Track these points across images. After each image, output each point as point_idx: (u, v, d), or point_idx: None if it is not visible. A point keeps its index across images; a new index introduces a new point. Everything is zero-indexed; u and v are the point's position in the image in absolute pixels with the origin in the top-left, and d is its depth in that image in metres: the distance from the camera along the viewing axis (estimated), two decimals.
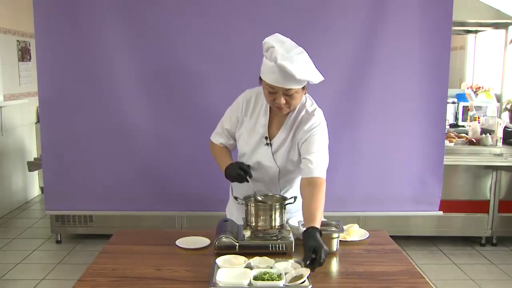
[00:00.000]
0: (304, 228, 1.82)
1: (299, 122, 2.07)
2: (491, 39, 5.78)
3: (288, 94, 1.93)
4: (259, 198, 2.06)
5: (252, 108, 2.13)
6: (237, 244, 1.89)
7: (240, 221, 2.09)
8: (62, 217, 4.08)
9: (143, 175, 3.17)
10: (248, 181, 2.05)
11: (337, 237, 1.97)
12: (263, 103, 2.11)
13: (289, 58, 1.88)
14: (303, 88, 1.97)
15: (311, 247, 1.70)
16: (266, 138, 2.09)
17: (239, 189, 2.19)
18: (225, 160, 2.16)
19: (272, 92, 1.94)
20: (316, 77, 1.94)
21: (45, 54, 3.03)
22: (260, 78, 1.99)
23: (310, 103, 2.13)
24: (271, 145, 2.09)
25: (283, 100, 1.94)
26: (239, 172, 2.04)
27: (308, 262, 1.68)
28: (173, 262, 1.87)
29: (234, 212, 2.30)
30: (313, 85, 3.08)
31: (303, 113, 2.09)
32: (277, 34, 1.99)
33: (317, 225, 1.82)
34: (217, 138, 2.24)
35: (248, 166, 2.09)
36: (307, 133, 2.04)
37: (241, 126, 2.15)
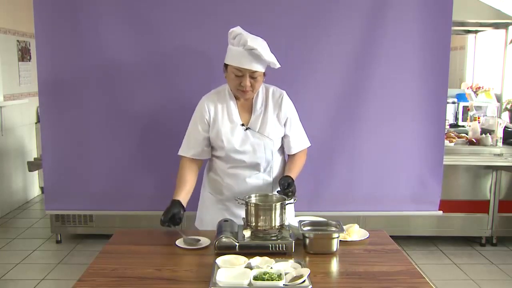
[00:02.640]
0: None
1: (273, 100, 2.30)
2: (491, 39, 5.78)
3: (253, 76, 2.16)
4: (259, 198, 2.08)
5: (219, 106, 2.28)
6: (237, 244, 1.89)
7: (213, 221, 2.16)
8: (62, 217, 4.08)
9: (143, 175, 3.17)
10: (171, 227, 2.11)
11: (337, 237, 1.98)
12: (225, 98, 2.29)
13: (256, 43, 2.14)
14: (263, 74, 2.22)
15: (282, 181, 2.14)
16: (242, 125, 2.26)
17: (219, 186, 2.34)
18: (179, 191, 2.23)
19: (239, 75, 2.16)
20: (276, 62, 2.19)
21: (45, 54, 3.03)
22: (225, 66, 2.23)
23: (269, 86, 2.34)
24: (250, 128, 2.26)
25: (248, 83, 2.15)
26: (168, 223, 2.09)
27: (284, 192, 2.09)
28: (173, 262, 1.87)
29: (212, 209, 2.38)
30: (313, 86, 3.08)
31: (270, 92, 2.31)
32: (239, 27, 2.21)
33: (292, 176, 2.22)
34: (188, 150, 2.31)
35: (180, 219, 2.13)
36: (288, 110, 2.31)
37: (214, 126, 2.26)
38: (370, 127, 3.15)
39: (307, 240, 1.96)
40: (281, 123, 2.31)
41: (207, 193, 2.43)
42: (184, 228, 3.97)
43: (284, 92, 2.34)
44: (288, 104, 2.32)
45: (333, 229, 2.02)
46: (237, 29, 2.19)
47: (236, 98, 2.29)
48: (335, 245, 1.96)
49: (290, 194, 2.10)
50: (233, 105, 2.28)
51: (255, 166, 2.29)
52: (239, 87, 2.18)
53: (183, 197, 2.22)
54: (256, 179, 2.32)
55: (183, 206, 2.18)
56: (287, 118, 2.31)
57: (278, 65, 2.20)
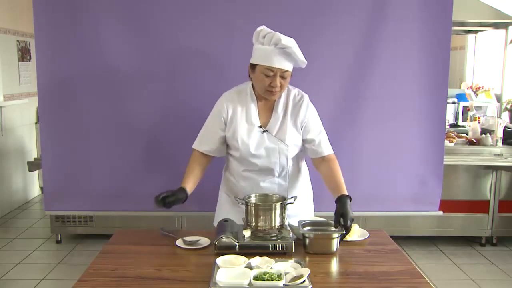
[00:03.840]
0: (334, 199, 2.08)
1: (293, 104, 2.23)
2: (491, 39, 5.79)
3: (283, 76, 2.11)
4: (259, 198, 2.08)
5: (238, 106, 2.22)
6: (237, 244, 1.89)
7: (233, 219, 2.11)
8: (62, 217, 4.08)
9: (143, 175, 3.16)
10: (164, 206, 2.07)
11: (337, 237, 1.97)
12: (246, 98, 2.23)
13: (289, 41, 2.08)
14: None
15: (339, 213, 1.98)
16: (260, 127, 2.19)
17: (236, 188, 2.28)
18: (187, 180, 2.19)
19: (270, 75, 2.09)
20: (305, 61, 2.16)
21: (45, 54, 3.02)
22: (251, 67, 2.15)
23: (292, 88, 2.28)
24: (267, 131, 2.20)
25: (278, 83, 2.10)
26: (165, 204, 2.06)
27: (337, 227, 1.97)
28: (173, 262, 1.87)
29: (227, 210, 2.33)
30: (313, 85, 3.07)
31: (292, 96, 2.25)
32: (264, 26, 2.16)
33: (345, 192, 2.09)
34: (201, 145, 2.29)
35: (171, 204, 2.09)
36: (306, 115, 2.23)
37: (231, 126, 2.21)
38: (370, 127, 3.14)
39: (307, 240, 1.96)
40: (298, 129, 2.23)
41: (224, 193, 2.40)
42: (184, 228, 3.99)
43: (306, 96, 2.27)
44: (307, 109, 2.24)
45: (333, 229, 2.02)
46: (265, 28, 2.13)
47: (258, 99, 2.23)
48: (335, 245, 1.96)
49: (345, 231, 1.97)
50: (253, 106, 2.22)
51: (268, 171, 2.23)
52: (269, 87, 2.11)
53: (190, 186, 2.19)
54: (270, 183, 2.26)
55: (187, 196, 2.15)
56: (305, 123, 2.23)
57: (305, 65, 2.17)
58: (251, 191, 2.20)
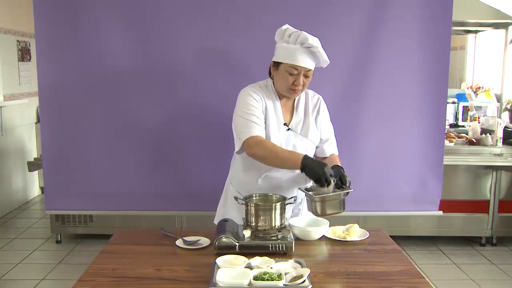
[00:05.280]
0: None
1: (312, 104, 2.29)
2: (491, 39, 5.79)
3: (306, 75, 2.13)
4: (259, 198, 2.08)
5: (266, 100, 2.20)
6: (237, 244, 1.89)
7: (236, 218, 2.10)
8: (62, 217, 4.09)
9: (143, 175, 3.16)
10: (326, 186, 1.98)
11: (345, 197, 2.00)
12: (271, 94, 2.22)
13: (316, 41, 2.11)
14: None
15: (336, 177, 2.02)
16: (285, 124, 2.21)
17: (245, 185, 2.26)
18: (293, 153, 2.11)
19: (294, 73, 2.11)
20: (328, 61, 2.19)
21: (45, 54, 3.02)
22: (274, 65, 2.16)
23: (308, 90, 2.31)
24: (291, 129, 2.21)
25: (302, 81, 2.12)
26: (328, 178, 1.96)
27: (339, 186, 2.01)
28: (173, 262, 1.87)
29: (233, 209, 2.30)
30: (312, 86, 3.08)
31: (310, 96, 2.30)
32: (287, 24, 2.18)
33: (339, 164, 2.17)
34: (259, 130, 2.12)
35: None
36: (324, 115, 2.30)
37: (266, 119, 2.18)
38: (370, 127, 3.15)
39: (317, 204, 1.98)
40: (318, 127, 2.28)
41: (235, 191, 2.35)
42: (184, 228, 3.99)
43: (321, 97, 2.34)
44: (325, 109, 2.32)
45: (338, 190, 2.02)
46: (290, 27, 2.15)
47: (279, 97, 2.23)
48: (344, 205, 2.01)
49: (346, 189, 2.03)
50: (278, 103, 2.22)
51: (292, 170, 2.18)
52: (292, 86, 2.13)
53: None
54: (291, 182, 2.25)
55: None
56: (322, 122, 2.30)
57: (327, 64, 2.20)
58: (271, 190, 2.16)
